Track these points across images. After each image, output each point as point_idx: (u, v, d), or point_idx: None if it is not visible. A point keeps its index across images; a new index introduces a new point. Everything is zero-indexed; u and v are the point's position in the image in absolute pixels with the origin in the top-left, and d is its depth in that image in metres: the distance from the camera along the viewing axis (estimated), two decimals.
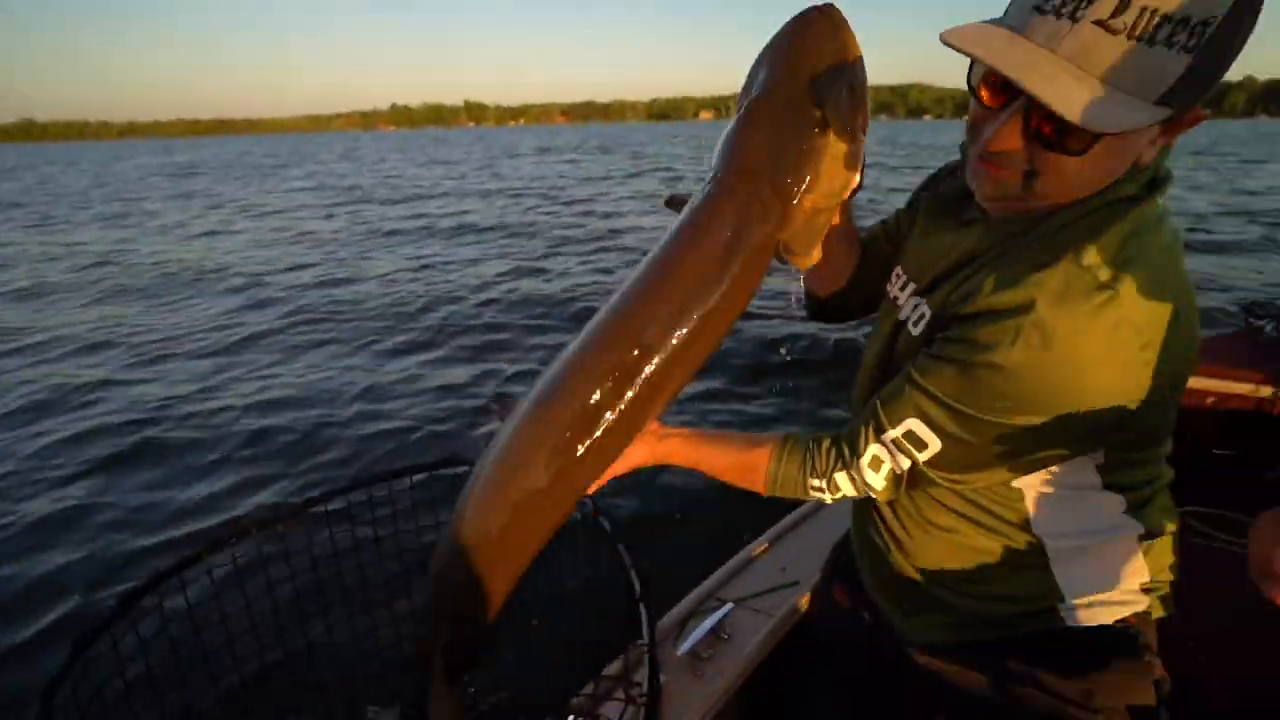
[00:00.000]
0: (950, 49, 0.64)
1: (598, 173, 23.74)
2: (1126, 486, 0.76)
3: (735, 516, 2.66)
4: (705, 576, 1.26)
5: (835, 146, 0.67)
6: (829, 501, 0.82)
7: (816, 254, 0.74)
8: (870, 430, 0.73)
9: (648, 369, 0.69)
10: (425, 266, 8.62)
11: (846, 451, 0.76)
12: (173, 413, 4.36)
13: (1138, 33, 0.57)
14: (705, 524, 2.87)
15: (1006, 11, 0.66)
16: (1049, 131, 0.63)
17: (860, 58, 0.68)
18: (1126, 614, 0.80)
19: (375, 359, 5.23)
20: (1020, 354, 0.62)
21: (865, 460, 0.74)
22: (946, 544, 0.83)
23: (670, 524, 2.92)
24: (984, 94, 0.68)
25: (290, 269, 8.67)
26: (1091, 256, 0.64)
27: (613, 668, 0.96)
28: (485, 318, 6.26)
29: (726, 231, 0.68)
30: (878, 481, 0.75)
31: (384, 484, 1.12)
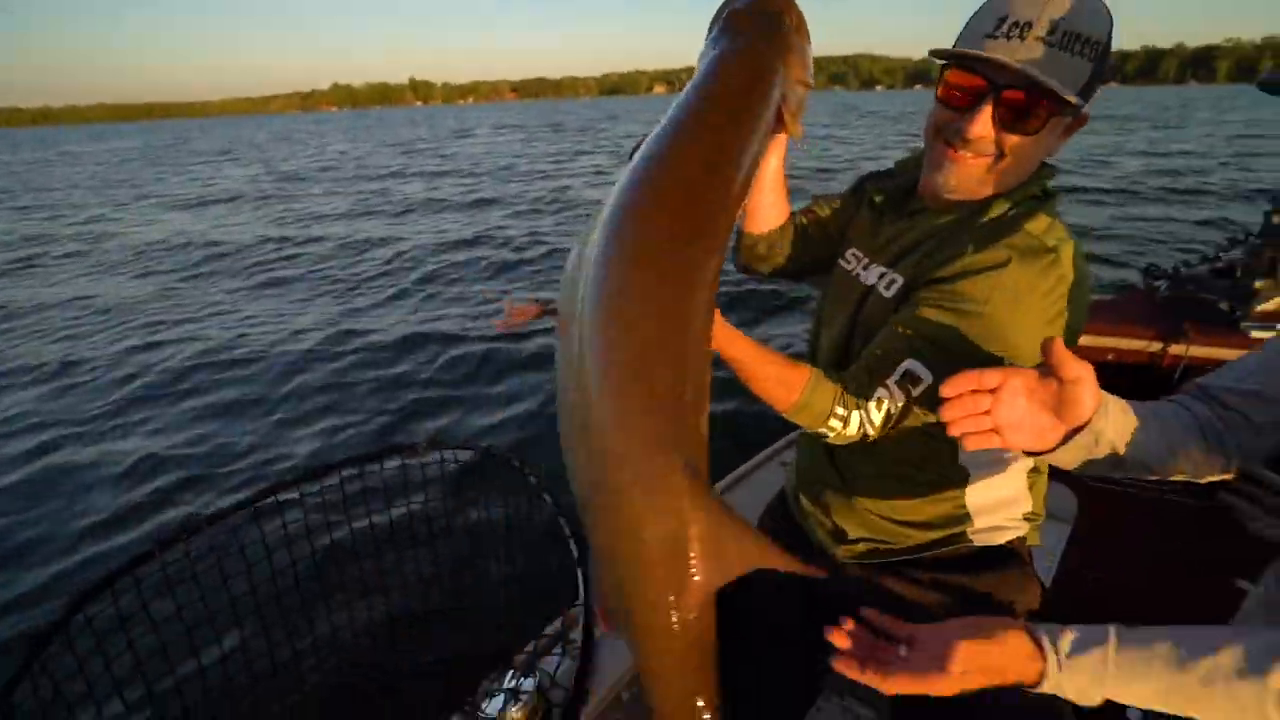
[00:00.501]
0: (939, 60, 0.91)
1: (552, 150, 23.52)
2: None
3: None
4: None
5: (798, 42, 0.78)
6: (832, 438, 0.90)
7: (800, 129, 0.82)
8: (876, 375, 0.85)
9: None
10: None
11: (860, 393, 0.86)
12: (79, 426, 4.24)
13: (1063, 45, 0.83)
14: None
15: (957, 44, 0.90)
16: (1012, 118, 0.86)
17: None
18: (1012, 537, 1.01)
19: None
20: (997, 299, 0.82)
21: (873, 401, 0.85)
22: (893, 478, 1.00)
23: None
24: (955, 96, 0.90)
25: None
26: (1037, 229, 0.87)
27: (553, 627, 1.05)
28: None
29: (749, 67, 0.72)
30: (878, 419, 0.86)
31: (315, 480, 1.14)
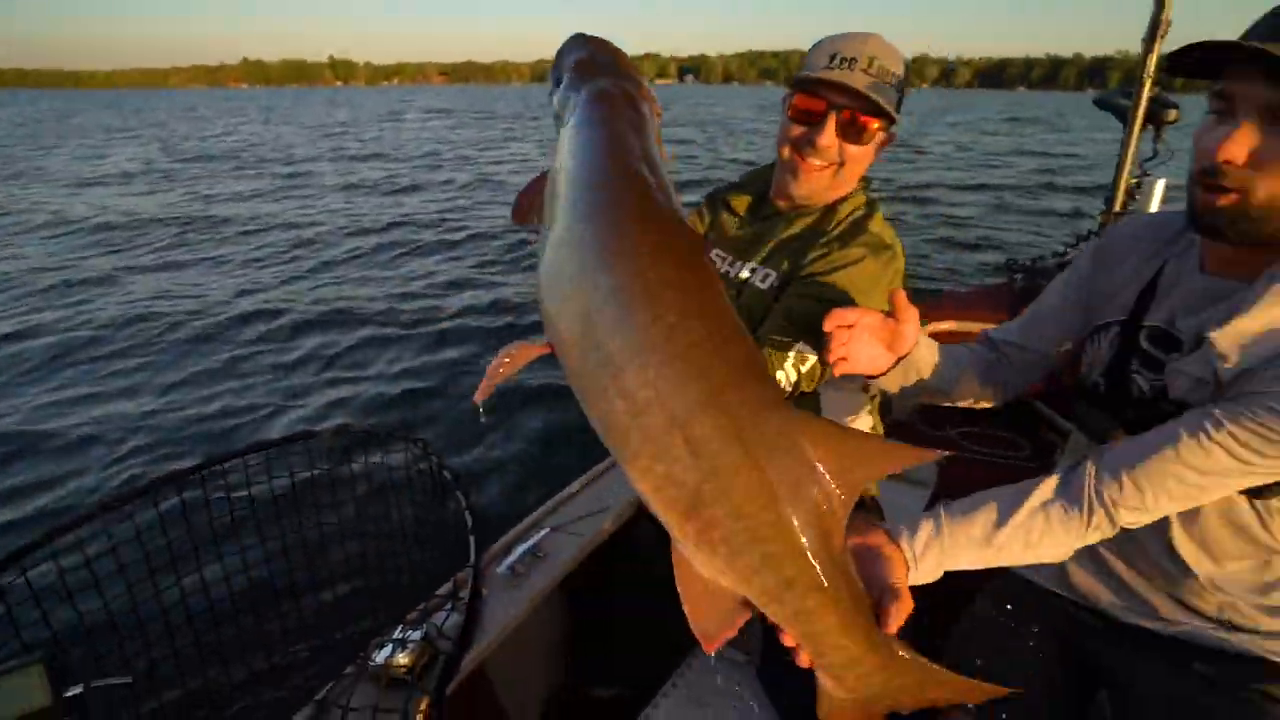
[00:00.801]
0: (795, 87, 1.14)
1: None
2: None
3: (561, 460, 3.49)
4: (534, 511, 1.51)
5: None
6: None
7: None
8: (774, 356, 1.03)
9: None
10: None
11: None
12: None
13: (879, 77, 1.09)
14: (534, 470, 3.51)
15: (801, 76, 1.13)
16: (850, 131, 1.11)
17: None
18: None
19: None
20: (856, 288, 1.05)
21: (780, 375, 1.03)
22: None
23: (505, 471, 3.54)
24: (804, 115, 1.12)
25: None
26: (878, 230, 1.15)
27: (445, 588, 1.15)
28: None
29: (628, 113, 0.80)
30: (784, 386, 1.04)
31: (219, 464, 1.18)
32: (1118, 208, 2.74)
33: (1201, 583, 0.95)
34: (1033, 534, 0.86)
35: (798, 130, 1.13)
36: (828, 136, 1.10)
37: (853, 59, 1.08)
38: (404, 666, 1.00)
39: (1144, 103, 2.58)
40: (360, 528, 1.36)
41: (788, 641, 0.68)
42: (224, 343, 5.21)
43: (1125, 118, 2.68)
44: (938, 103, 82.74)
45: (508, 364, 0.73)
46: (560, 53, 0.90)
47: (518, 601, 1.22)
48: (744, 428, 0.58)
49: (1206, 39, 0.82)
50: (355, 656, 1.03)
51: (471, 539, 1.17)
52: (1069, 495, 0.86)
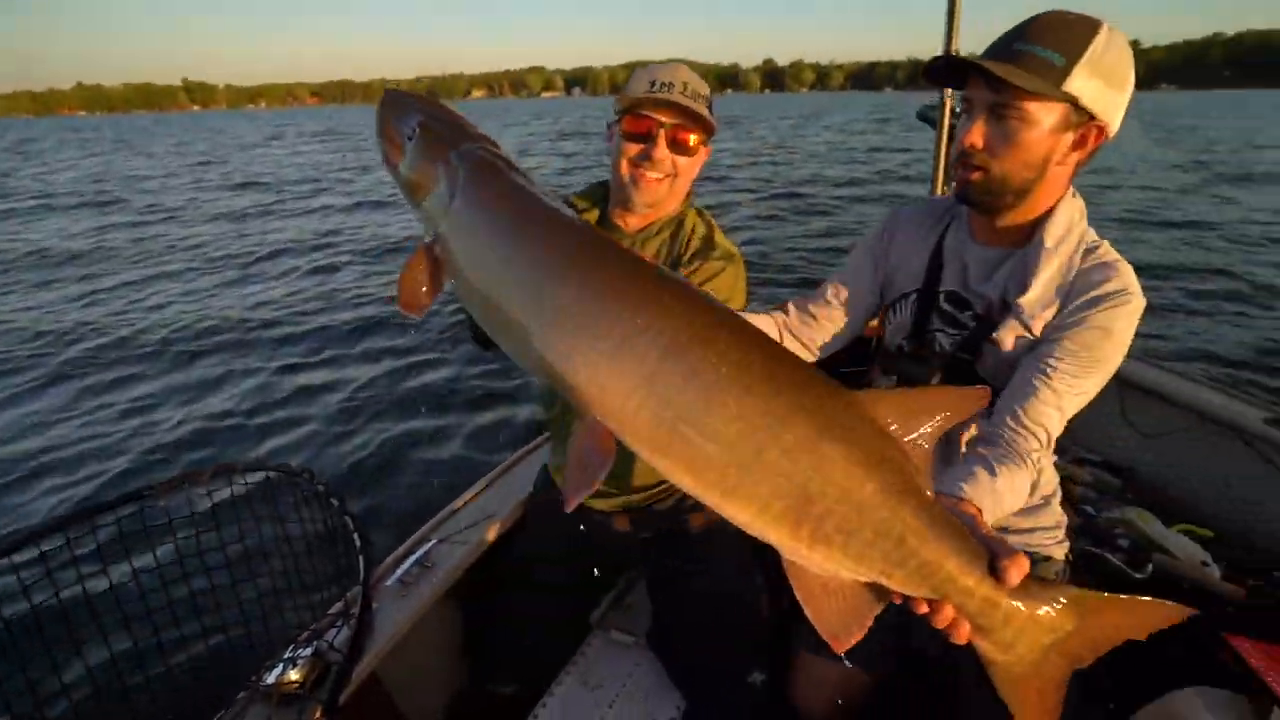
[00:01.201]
0: (623, 111, 1.30)
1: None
2: None
3: (448, 478, 3.63)
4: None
5: None
6: None
7: None
8: None
9: None
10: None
11: None
12: None
13: (693, 98, 1.27)
14: (422, 487, 3.61)
15: (628, 99, 1.29)
16: (678, 145, 1.29)
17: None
18: None
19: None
20: (727, 294, 1.27)
21: None
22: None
23: (394, 490, 3.63)
24: (637, 134, 1.28)
25: None
26: (723, 240, 1.37)
27: (336, 607, 1.21)
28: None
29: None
30: None
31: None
32: None
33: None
34: (1016, 487, 1.01)
35: (634, 148, 1.30)
36: (661, 150, 1.28)
37: (670, 83, 1.28)
38: (295, 682, 1.05)
39: (948, 115, 2.97)
40: (249, 561, 1.39)
41: (939, 621, 0.70)
42: (76, 378, 4.92)
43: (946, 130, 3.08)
44: (814, 106, 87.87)
45: None
46: (388, 117, 0.92)
47: (407, 610, 1.29)
48: (823, 420, 0.65)
49: (942, 57, 1.13)
50: (246, 681, 1.07)
51: (361, 558, 1.23)
52: (1013, 455, 1.04)
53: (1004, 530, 1.25)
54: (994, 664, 0.74)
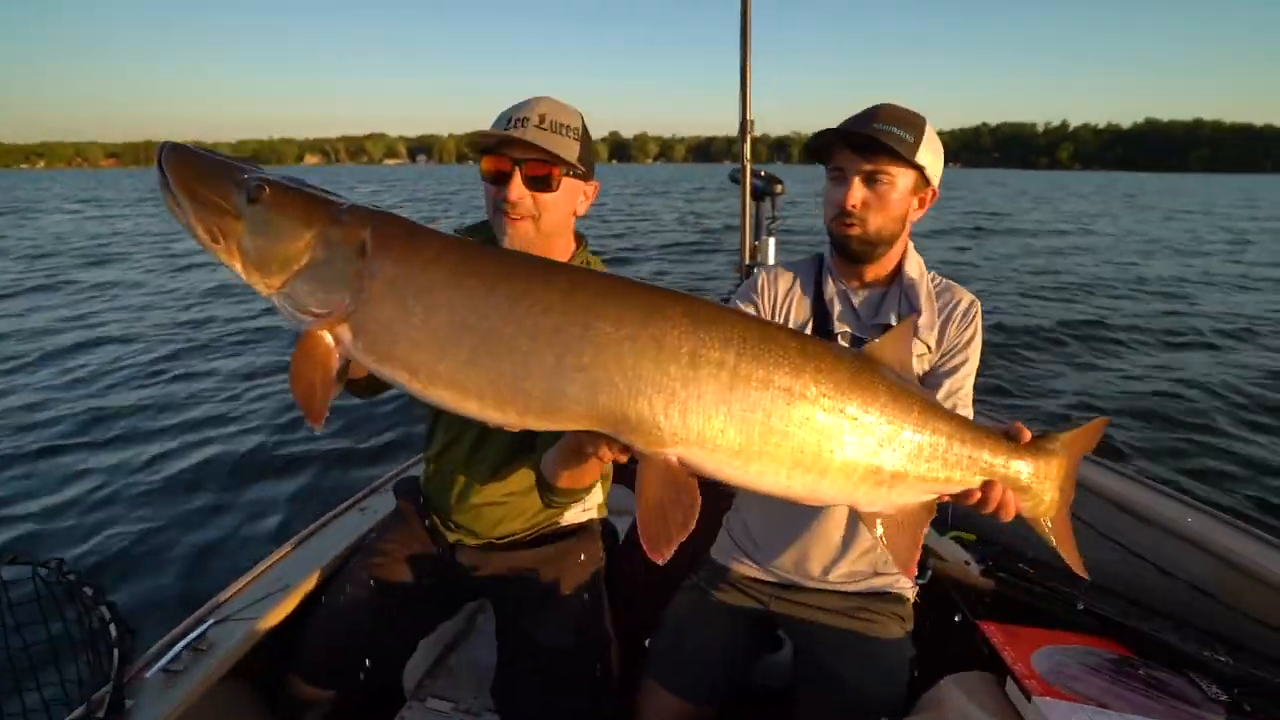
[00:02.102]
0: (475, 153, 1.27)
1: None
2: None
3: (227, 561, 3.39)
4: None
5: None
6: None
7: None
8: None
9: None
10: None
11: None
12: None
13: (553, 130, 1.24)
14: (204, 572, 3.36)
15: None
16: (536, 182, 1.24)
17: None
18: (591, 518, 1.57)
19: None
20: None
21: None
22: (514, 479, 1.43)
23: (167, 577, 3.34)
24: (492, 175, 1.25)
25: None
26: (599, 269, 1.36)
27: (77, 712, 1.08)
28: None
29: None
30: None
31: None
32: (746, 260, 3.51)
33: (863, 548, 1.49)
34: None
35: (494, 191, 1.27)
36: (516, 190, 1.23)
37: (524, 118, 1.24)
38: None
39: (748, 182, 3.37)
40: None
41: (993, 501, 0.90)
42: None
43: (749, 191, 3.49)
44: (660, 175, 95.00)
45: None
46: (194, 180, 0.75)
47: (170, 702, 1.18)
48: (878, 382, 0.80)
49: (822, 131, 1.34)
50: None
51: (115, 651, 1.12)
52: None
53: (874, 573, 1.53)
54: (1036, 520, 0.98)
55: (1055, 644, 1.51)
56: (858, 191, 1.32)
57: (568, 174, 1.29)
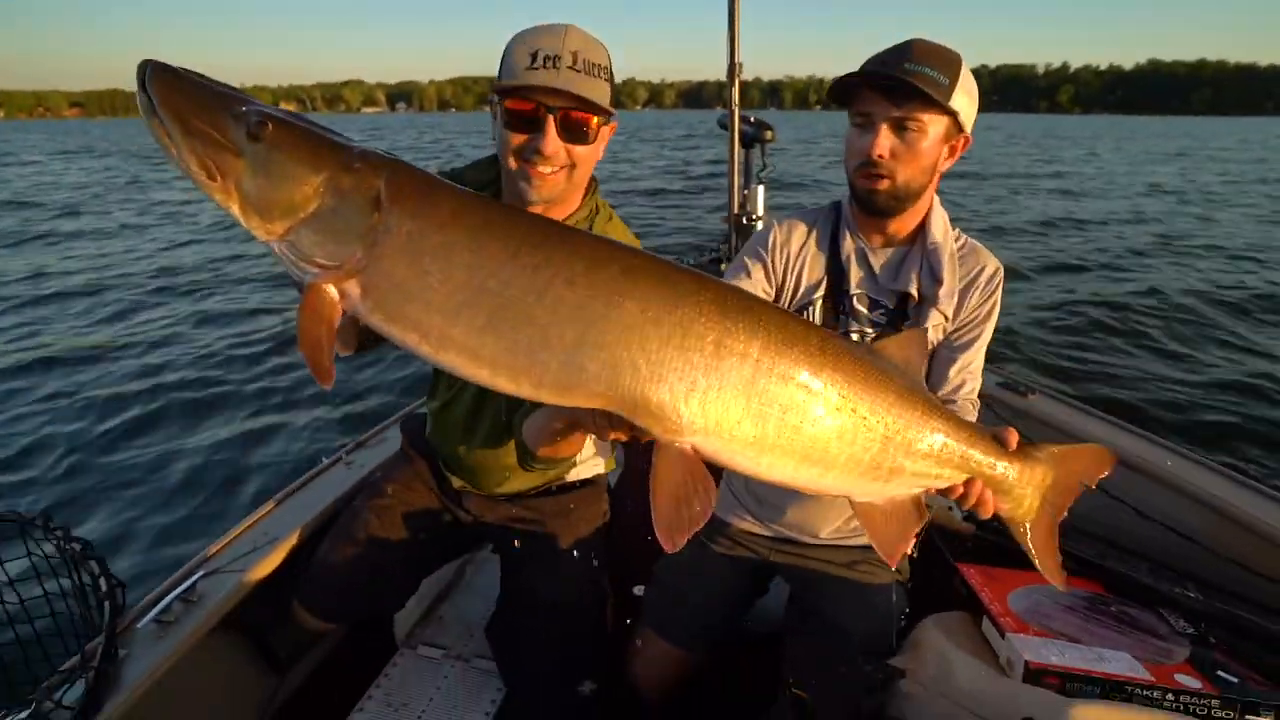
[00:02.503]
0: (498, 94, 1.14)
1: None
2: None
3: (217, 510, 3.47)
4: None
5: None
6: None
7: None
8: None
9: None
10: None
11: None
12: None
13: (587, 71, 1.10)
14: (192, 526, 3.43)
15: (503, 79, 1.13)
16: (572, 132, 1.12)
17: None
18: (600, 471, 1.58)
19: None
20: None
21: None
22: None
23: (157, 533, 3.40)
24: (519, 123, 1.12)
25: None
26: (625, 235, 1.33)
27: (71, 662, 1.11)
28: None
29: None
30: None
31: None
32: (735, 210, 3.49)
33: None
34: None
35: (518, 139, 1.12)
36: (551, 143, 1.10)
37: (555, 56, 1.07)
38: None
39: (736, 129, 3.30)
40: None
41: (973, 497, 0.94)
42: None
43: (737, 137, 3.44)
44: (648, 121, 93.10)
45: None
46: (186, 106, 0.67)
47: (163, 652, 1.22)
48: (887, 379, 0.83)
49: (847, 75, 1.24)
50: None
51: (106, 604, 1.14)
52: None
53: (856, 532, 1.54)
54: (1013, 522, 1.01)
55: (1031, 584, 1.57)
56: (885, 140, 1.20)
57: (604, 122, 1.18)
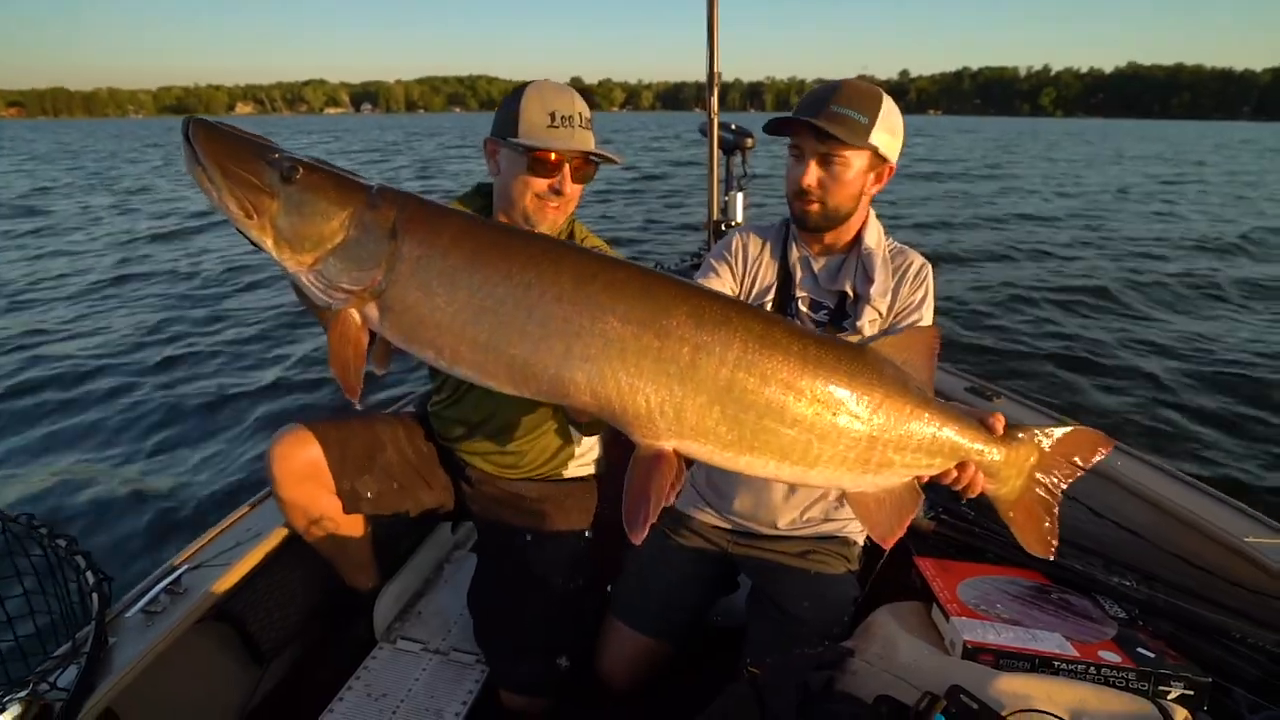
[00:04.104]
0: (523, 149, 1.45)
1: None
2: None
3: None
4: None
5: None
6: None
7: None
8: None
9: None
10: None
11: None
12: None
13: (587, 127, 1.46)
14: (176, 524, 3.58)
15: (523, 133, 1.44)
16: (582, 175, 1.47)
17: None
18: (591, 472, 1.76)
19: None
20: None
21: None
22: (531, 418, 1.62)
23: (140, 529, 3.59)
24: (546, 171, 1.44)
25: None
26: (607, 248, 1.56)
27: (62, 649, 1.22)
28: None
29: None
30: None
31: None
32: (715, 216, 3.62)
33: (814, 497, 1.67)
34: None
35: (542, 184, 1.46)
36: (569, 186, 1.47)
37: (569, 116, 1.44)
38: None
39: (715, 138, 3.43)
40: None
41: (964, 479, 1.02)
42: None
43: (716, 144, 3.53)
44: (630, 124, 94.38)
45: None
46: (227, 158, 0.79)
47: (150, 640, 1.32)
48: (872, 376, 0.88)
49: (780, 116, 1.46)
50: None
51: (95, 596, 1.24)
52: None
53: (825, 519, 1.71)
54: (999, 500, 1.10)
55: (981, 575, 1.72)
56: (814, 172, 1.46)
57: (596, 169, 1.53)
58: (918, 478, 1.03)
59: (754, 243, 1.67)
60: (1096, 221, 14.27)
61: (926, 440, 0.96)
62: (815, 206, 1.49)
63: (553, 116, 1.43)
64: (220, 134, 0.81)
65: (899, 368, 0.94)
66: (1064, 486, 1.13)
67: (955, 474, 1.05)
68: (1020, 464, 1.08)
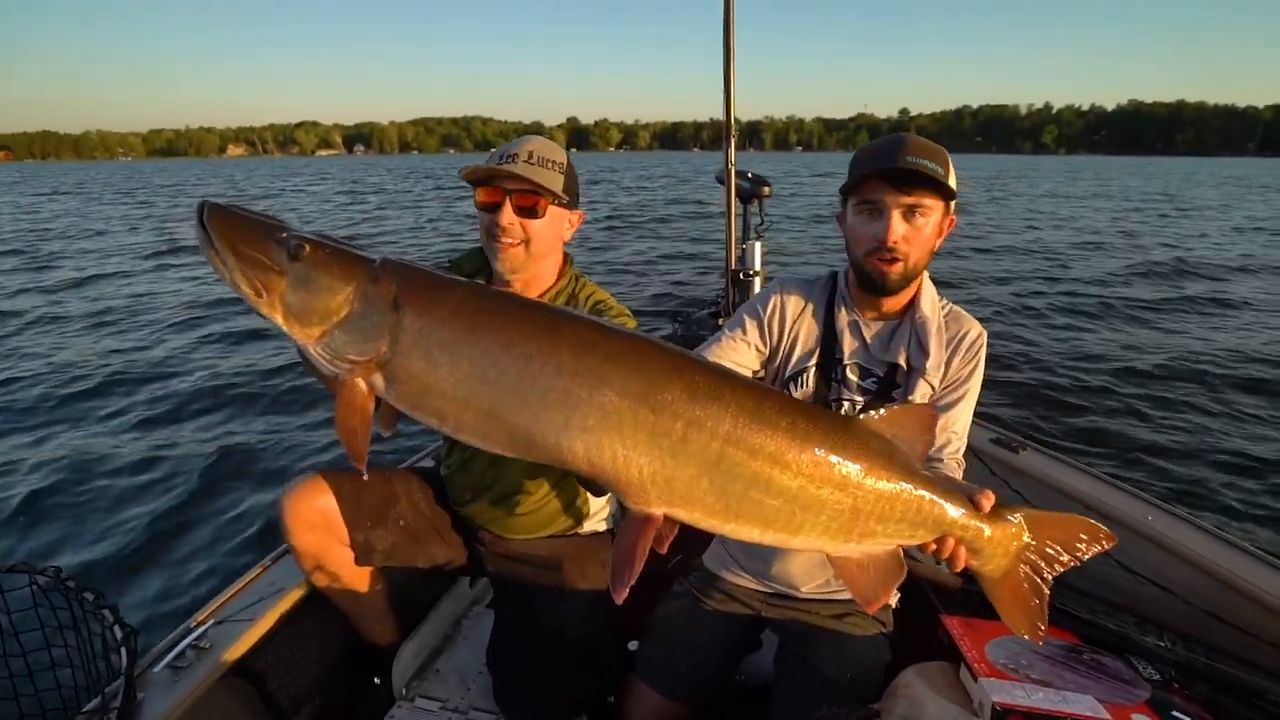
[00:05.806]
0: (470, 182, 1.56)
1: None
2: None
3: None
4: None
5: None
6: None
7: None
8: None
9: None
10: None
11: None
12: None
13: (539, 164, 1.51)
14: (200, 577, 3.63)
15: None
16: (524, 210, 1.51)
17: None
18: (603, 529, 1.80)
19: None
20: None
21: None
22: (542, 480, 1.66)
23: (166, 584, 3.62)
24: (486, 205, 1.51)
25: None
26: (612, 303, 1.64)
27: (93, 703, 1.26)
28: None
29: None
30: None
31: None
32: (732, 265, 3.67)
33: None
34: None
35: (486, 219, 1.54)
36: (507, 216, 1.52)
37: (514, 154, 1.52)
38: None
39: (733, 188, 3.52)
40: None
41: (945, 553, 1.06)
42: None
43: (734, 192, 3.58)
44: (618, 164, 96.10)
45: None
46: (237, 238, 0.83)
47: (178, 696, 1.35)
48: (860, 448, 0.92)
49: (860, 169, 1.42)
50: None
51: (123, 650, 1.28)
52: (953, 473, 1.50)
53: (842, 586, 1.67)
54: (983, 577, 1.12)
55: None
56: (899, 226, 1.39)
57: (554, 203, 1.56)
58: (899, 547, 1.07)
59: (794, 302, 1.61)
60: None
61: (910, 513, 1.01)
62: (899, 265, 1.42)
63: (500, 157, 1.53)
64: (231, 216, 0.87)
65: (887, 440, 0.98)
66: (1055, 573, 1.15)
67: (935, 546, 1.09)
68: (1005, 544, 1.11)
